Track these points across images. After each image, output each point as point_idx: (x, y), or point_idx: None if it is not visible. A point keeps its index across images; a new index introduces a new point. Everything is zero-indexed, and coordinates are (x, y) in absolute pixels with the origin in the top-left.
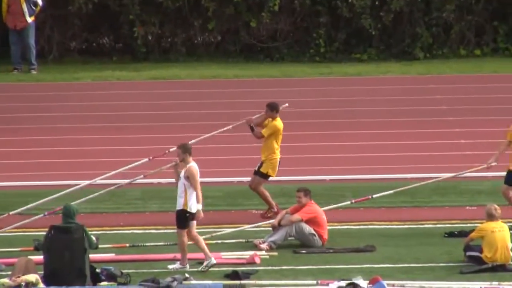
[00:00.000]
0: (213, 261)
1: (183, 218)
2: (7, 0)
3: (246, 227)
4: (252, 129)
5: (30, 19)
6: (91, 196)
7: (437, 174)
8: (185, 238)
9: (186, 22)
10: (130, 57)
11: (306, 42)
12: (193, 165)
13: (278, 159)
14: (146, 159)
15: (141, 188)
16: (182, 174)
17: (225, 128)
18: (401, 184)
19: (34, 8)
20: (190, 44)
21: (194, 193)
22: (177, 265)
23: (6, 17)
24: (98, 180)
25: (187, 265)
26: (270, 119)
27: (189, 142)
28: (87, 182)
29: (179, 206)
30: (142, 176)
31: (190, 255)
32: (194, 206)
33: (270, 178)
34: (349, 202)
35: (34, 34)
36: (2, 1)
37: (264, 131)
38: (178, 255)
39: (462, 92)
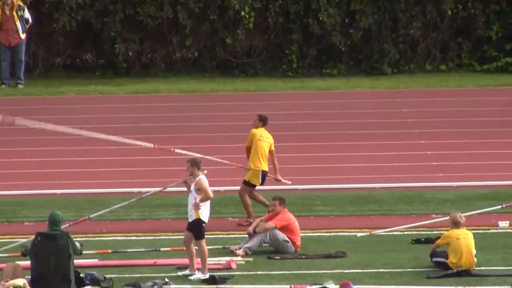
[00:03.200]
0: (198, 275)
1: (200, 228)
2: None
3: None
4: None
5: (23, 36)
6: (116, 206)
7: (404, 184)
8: (205, 247)
9: (165, 39)
10: (112, 72)
11: (279, 58)
12: (202, 177)
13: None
14: (150, 145)
15: (122, 196)
16: (192, 187)
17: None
18: (366, 194)
19: (25, 25)
20: (169, 60)
21: (205, 203)
22: (198, 274)
23: None
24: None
25: (207, 274)
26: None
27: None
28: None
29: (192, 217)
30: (162, 188)
31: (171, 261)
32: (206, 215)
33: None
34: (499, 207)
35: (24, 50)
36: None
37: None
38: (159, 261)
39: (428, 106)
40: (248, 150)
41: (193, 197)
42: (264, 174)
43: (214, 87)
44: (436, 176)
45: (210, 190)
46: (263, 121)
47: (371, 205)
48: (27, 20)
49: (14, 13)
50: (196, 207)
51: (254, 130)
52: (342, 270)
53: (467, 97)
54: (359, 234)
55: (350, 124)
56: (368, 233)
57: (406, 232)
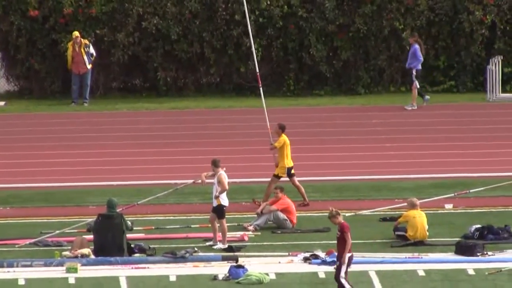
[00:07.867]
0: (219, 245)
1: (222, 210)
2: (71, 52)
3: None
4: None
5: (89, 66)
6: (158, 195)
7: (374, 176)
8: (225, 224)
9: (194, 68)
10: (155, 94)
11: (281, 82)
12: (221, 173)
13: (287, 166)
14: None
15: (162, 187)
16: (214, 180)
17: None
18: (345, 183)
19: (91, 58)
20: (197, 84)
21: (224, 192)
22: (220, 245)
23: (71, 65)
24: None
25: (227, 244)
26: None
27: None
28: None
29: (215, 203)
30: (192, 181)
31: (199, 234)
32: (226, 201)
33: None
34: (452, 195)
35: (90, 77)
36: (68, 54)
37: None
38: (190, 235)
39: (392, 118)
40: (277, 150)
41: (215, 188)
42: (289, 169)
43: (231, 104)
44: (398, 170)
45: (226, 183)
46: (284, 129)
47: (349, 192)
48: (92, 54)
49: (82, 49)
50: (216, 198)
51: (285, 137)
52: (327, 241)
53: (421, 111)
54: (347, 214)
55: (333, 131)
56: (353, 213)
57: (375, 213)
